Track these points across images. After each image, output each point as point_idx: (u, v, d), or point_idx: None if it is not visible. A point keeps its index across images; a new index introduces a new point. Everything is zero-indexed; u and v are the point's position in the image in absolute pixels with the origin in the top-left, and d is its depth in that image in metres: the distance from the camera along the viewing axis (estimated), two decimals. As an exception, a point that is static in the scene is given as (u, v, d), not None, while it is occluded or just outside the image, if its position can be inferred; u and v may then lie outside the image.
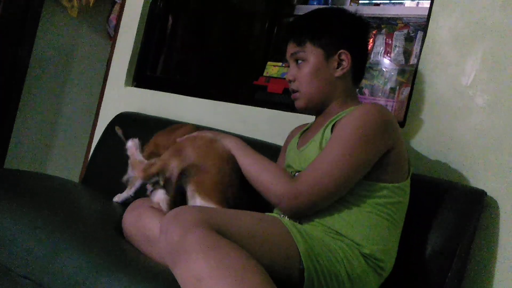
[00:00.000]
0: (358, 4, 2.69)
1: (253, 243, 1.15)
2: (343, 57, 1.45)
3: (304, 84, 1.47)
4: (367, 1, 2.69)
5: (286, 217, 1.34)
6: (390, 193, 1.34)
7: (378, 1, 2.63)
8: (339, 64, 1.46)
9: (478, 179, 1.54)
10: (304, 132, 1.59)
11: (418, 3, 2.52)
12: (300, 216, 1.34)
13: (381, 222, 1.33)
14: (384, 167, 1.33)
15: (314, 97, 1.48)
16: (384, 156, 1.32)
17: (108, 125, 2.41)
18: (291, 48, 1.50)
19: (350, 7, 2.56)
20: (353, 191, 1.33)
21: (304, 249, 1.20)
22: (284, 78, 2.13)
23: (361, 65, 1.53)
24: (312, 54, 1.46)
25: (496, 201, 1.51)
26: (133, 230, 1.41)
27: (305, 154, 1.43)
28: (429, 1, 1.75)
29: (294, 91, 1.50)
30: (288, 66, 1.54)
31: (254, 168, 1.43)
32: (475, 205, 1.46)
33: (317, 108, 1.51)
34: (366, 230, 1.31)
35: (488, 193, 1.50)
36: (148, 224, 1.37)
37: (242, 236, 1.14)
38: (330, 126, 1.40)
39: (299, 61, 1.48)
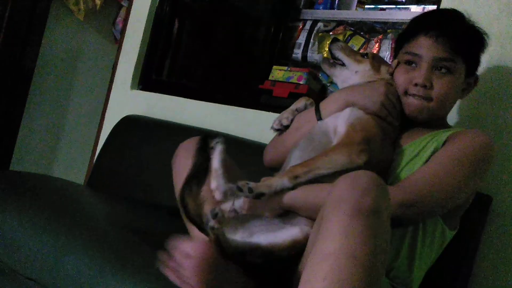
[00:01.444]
0: (364, 8, 2.69)
1: None
2: (473, 81, 1.36)
3: (442, 97, 1.29)
4: (373, 6, 2.69)
5: None
6: (446, 240, 1.30)
7: (384, 6, 2.63)
8: (468, 87, 1.36)
9: (484, 185, 1.54)
10: None
11: (424, 8, 2.51)
12: (411, 224, 1.23)
13: (426, 259, 1.28)
14: (456, 210, 1.28)
15: (442, 113, 1.36)
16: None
17: (114, 128, 2.42)
18: (439, 50, 1.27)
19: (356, 12, 2.56)
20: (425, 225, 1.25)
21: None
22: (290, 82, 2.14)
23: None
24: (459, 69, 1.30)
25: (502, 207, 1.51)
26: None
27: (407, 153, 1.30)
28: (435, 6, 1.75)
29: (422, 98, 1.30)
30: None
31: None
32: (481, 211, 1.46)
33: (429, 121, 1.35)
34: (411, 263, 1.25)
35: (494, 199, 1.49)
36: None
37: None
38: (442, 138, 1.27)
39: (441, 69, 1.29)
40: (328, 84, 2.22)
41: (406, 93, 1.32)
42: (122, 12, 3.32)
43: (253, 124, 2.12)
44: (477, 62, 1.34)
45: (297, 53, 2.47)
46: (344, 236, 0.91)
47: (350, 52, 1.41)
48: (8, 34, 2.94)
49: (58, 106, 3.33)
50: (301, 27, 2.51)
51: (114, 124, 2.43)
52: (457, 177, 1.18)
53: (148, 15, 2.66)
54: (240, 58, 2.74)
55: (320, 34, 2.42)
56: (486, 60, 1.60)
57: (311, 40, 2.42)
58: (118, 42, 3.10)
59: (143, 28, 2.66)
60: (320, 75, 2.26)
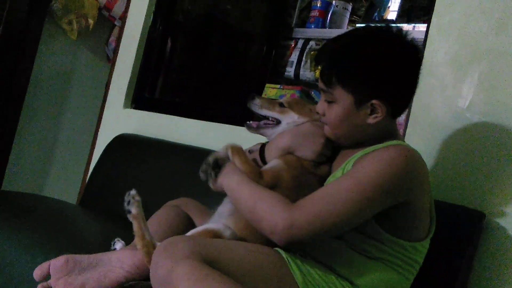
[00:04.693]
0: (355, 27, 2.72)
1: (246, 275, 1.11)
2: (376, 106, 1.25)
3: (332, 126, 1.32)
4: (364, 25, 2.72)
5: (285, 253, 1.25)
6: (404, 251, 1.27)
7: (353, 29, 2.66)
8: (372, 111, 1.26)
9: (476, 201, 1.54)
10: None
11: (414, 26, 2.54)
12: (294, 247, 1.25)
13: (392, 275, 1.27)
14: (400, 221, 1.24)
15: (342, 139, 1.35)
16: (399, 209, 1.21)
17: (107, 146, 2.42)
18: (320, 83, 1.30)
19: (346, 30, 2.59)
20: (368, 240, 1.24)
21: (302, 281, 1.17)
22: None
23: (402, 103, 1.33)
24: (341, 98, 1.26)
25: (495, 223, 1.51)
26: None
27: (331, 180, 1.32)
28: (425, 25, 1.78)
29: (324, 123, 1.35)
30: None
31: (250, 199, 1.25)
32: (474, 228, 1.46)
33: (346, 144, 1.36)
34: (373, 280, 1.25)
35: (487, 215, 1.50)
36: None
37: (234, 266, 1.10)
38: (353, 160, 1.27)
39: (328, 101, 1.30)
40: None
41: None
42: (115, 31, 3.33)
43: (245, 142, 2.12)
44: (363, 89, 1.24)
45: (290, 71, 2.48)
46: None
47: (272, 104, 1.46)
48: (1, 52, 2.95)
49: (51, 124, 3.32)
50: (293, 45, 2.53)
51: (107, 142, 2.43)
52: (347, 201, 1.16)
53: (141, 34, 2.68)
54: (232, 76, 2.75)
55: (312, 52, 2.44)
56: (476, 78, 1.62)
57: (303, 58, 2.44)
58: (111, 61, 3.11)
59: (136, 47, 2.67)
60: (312, 92, 2.28)
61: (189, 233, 1.29)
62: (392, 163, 1.19)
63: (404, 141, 1.35)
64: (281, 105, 1.44)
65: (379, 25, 1.36)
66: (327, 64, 1.28)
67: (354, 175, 1.20)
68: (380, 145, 1.27)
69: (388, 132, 1.32)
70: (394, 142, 1.28)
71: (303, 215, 1.15)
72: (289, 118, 1.43)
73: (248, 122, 1.48)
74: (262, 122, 1.47)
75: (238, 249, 1.18)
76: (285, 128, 1.43)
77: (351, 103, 1.25)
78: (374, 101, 1.24)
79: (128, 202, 1.28)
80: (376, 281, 1.25)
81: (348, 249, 1.25)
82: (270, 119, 1.46)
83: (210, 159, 1.39)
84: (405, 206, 1.21)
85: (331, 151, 1.38)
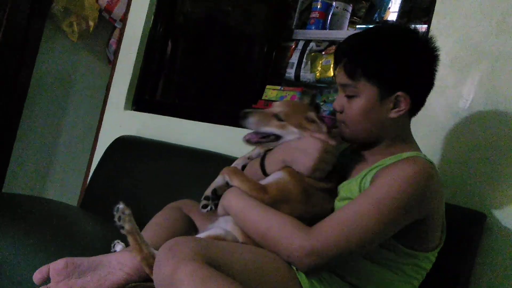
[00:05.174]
0: (355, 28, 2.72)
1: (250, 276, 1.10)
2: (401, 99, 1.26)
3: (352, 122, 1.30)
4: (364, 26, 2.72)
5: None
6: (417, 261, 1.27)
7: (375, 26, 2.66)
8: (395, 105, 1.27)
9: (478, 202, 1.54)
10: (343, 154, 1.44)
11: (414, 27, 2.54)
12: (314, 275, 1.20)
13: (401, 283, 1.27)
14: (414, 234, 1.23)
15: (360, 137, 1.32)
16: (416, 223, 1.20)
17: (107, 148, 2.41)
18: (341, 77, 1.29)
19: (348, 32, 2.59)
20: (382, 250, 1.23)
21: (308, 285, 1.17)
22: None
23: (422, 99, 1.33)
24: (365, 91, 1.26)
25: (496, 225, 1.51)
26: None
27: (347, 189, 1.31)
28: (425, 26, 1.78)
29: (341, 122, 1.33)
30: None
31: (262, 223, 1.21)
32: (475, 228, 1.46)
33: (362, 143, 1.36)
34: (383, 286, 1.25)
35: (488, 217, 1.50)
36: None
37: (238, 269, 1.09)
38: (372, 173, 1.25)
39: (349, 97, 1.29)
40: (322, 103, 2.23)
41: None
42: (116, 33, 3.33)
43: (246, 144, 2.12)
44: (389, 81, 1.25)
45: (290, 72, 2.48)
46: None
47: (268, 118, 1.35)
48: (2, 54, 2.95)
49: (52, 127, 3.32)
50: (293, 47, 2.53)
51: (108, 144, 2.43)
52: (368, 226, 1.13)
53: (141, 36, 2.68)
54: (233, 78, 2.75)
55: (312, 53, 2.44)
56: (477, 79, 1.62)
57: (304, 60, 2.44)
58: (111, 63, 3.11)
59: (137, 49, 2.67)
60: (314, 92, 2.28)
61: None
62: (413, 181, 1.17)
63: (419, 151, 1.34)
64: (277, 117, 1.34)
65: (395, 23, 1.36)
66: (352, 57, 1.27)
67: (374, 196, 1.17)
68: (398, 156, 1.26)
69: (403, 134, 1.33)
70: (413, 153, 1.28)
71: (323, 242, 1.12)
72: (290, 134, 1.34)
73: (246, 137, 1.38)
74: (261, 137, 1.38)
75: (243, 252, 1.17)
76: (287, 139, 1.36)
77: (375, 96, 1.26)
78: (399, 93, 1.25)
79: (119, 218, 1.25)
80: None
81: (361, 258, 1.23)
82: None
83: (208, 191, 1.37)
84: (422, 221, 1.21)
85: (331, 165, 1.31)
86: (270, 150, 1.39)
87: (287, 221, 1.19)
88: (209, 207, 1.36)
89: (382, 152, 1.31)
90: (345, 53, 1.30)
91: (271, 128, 1.35)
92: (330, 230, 1.14)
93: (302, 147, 1.30)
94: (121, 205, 1.25)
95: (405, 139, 1.33)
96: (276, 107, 1.37)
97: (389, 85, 1.25)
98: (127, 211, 1.25)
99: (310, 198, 1.28)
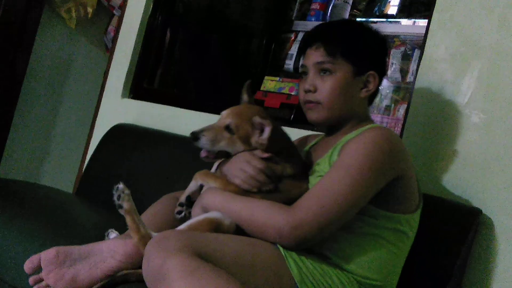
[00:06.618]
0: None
1: (241, 267, 1.11)
2: (370, 78, 1.39)
3: (328, 98, 1.37)
4: (364, 19, 2.71)
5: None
6: (396, 224, 1.30)
7: (375, 19, 2.65)
8: (365, 85, 1.39)
9: (473, 197, 1.55)
10: (313, 147, 1.53)
11: (414, 21, 2.54)
12: (304, 247, 1.24)
13: (383, 251, 1.29)
14: (391, 195, 1.28)
15: (335, 114, 1.39)
16: (391, 184, 1.27)
17: (104, 136, 2.41)
18: (317, 56, 1.38)
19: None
20: (361, 217, 1.27)
21: (298, 274, 1.18)
22: (281, 93, 2.15)
23: (379, 85, 1.45)
24: (342, 68, 1.36)
25: (491, 220, 1.51)
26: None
27: (318, 169, 1.36)
28: (426, 20, 1.77)
29: (311, 102, 1.39)
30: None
31: (244, 210, 1.26)
32: (471, 224, 1.46)
33: (332, 124, 1.44)
34: (366, 258, 1.27)
35: (483, 212, 1.50)
36: None
37: (228, 260, 1.10)
38: (338, 148, 1.33)
39: (324, 72, 1.38)
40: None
41: (304, 103, 1.42)
42: (114, 20, 3.31)
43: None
44: (363, 60, 1.38)
45: (289, 64, 2.48)
46: None
47: (220, 133, 1.35)
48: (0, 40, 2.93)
49: (48, 113, 3.31)
50: (293, 38, 2.53)
51: (105, 132, 2.42)
52: (344, 190, 1.21)
53: (140, 23, 2.66)
54: (232, 68, 2.75)
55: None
56: (477, 73, 1.62)
57: (303, 51, 2.43)
58: (109, 50, 3.10)
59: (135, 37, 2.66)
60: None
61: (188, 222, 1.28)
62: (377, 143, 1.26)
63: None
64: (228, 128, 1.35)
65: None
66: (333, 38, 1.39)
67: (343, 164, 1.25)
68: (360, 130, 1.35)
69: (366, 116, 1.45)
70: (374, 125, 1.40)
71: (306, 214, 1.19)
72: (238, 149, 1.36)
73: (202, 155, 1.38)
74: (217, 154, 1.38)
75: (232, 242, 1.18)
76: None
77: (350, 72, 1.37)
78: (371, 72, 1.38)
79: (118, 197, 1.25)
80: (366, 262, 1.28)
81: (344, 233, 1.27)
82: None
83: (182, 198, 1.40)
84: (396, 181, 1.27)
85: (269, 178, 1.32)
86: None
87: (268, 204, 1.25)
88: (183, 214, 1.40)
89: (346, 132, 1.39)
90: (325, 35, 1.42)
91: (225, 145, 1.35)
92: (309, 204, 1.21)
93: (235, 160, 1.35)
94: (121, 185, 1.26)
95: (366, 120, 1.44)
96: (226, 118, 1.37)
97: (363, 63, 1.38)
98: (127, 191, 1.26)
99: (278, 185, 1.33)
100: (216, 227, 1.24)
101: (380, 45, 1.44)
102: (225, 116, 1.38)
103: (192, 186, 1.40)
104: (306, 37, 1.49)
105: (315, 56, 1.39)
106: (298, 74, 1.49)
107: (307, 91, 1.40)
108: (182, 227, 1.27)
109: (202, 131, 1.35)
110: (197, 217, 1.29)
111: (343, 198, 1.21)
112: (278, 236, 1.20)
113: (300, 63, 1.46)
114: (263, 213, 1.23)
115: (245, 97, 1.49)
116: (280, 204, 1.24)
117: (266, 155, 1.33)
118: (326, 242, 1.27)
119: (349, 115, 1.40)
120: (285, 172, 1.34)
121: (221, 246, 1.14)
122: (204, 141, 1.34)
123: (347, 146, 1.30)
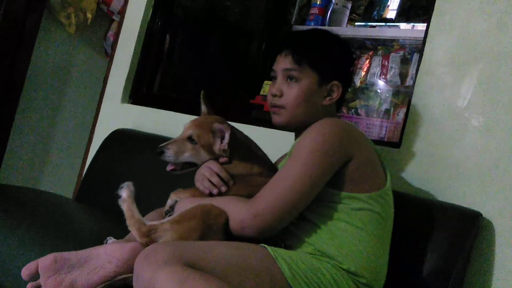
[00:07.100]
0: (354, 25, 2.72)
1: (232, 272, 1.13)
2: (334, 88, 1.45)
3: (291, 104, 1.43)
4: (363, 23, 2.72)
5: (270, 247, 1.27)
6: (364, 204, 1.32)
7: (374, 23, 2.66)
8: (328, 93, 1.45)
9: (473, 201, 1.54)
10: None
11: (413, 25, 2.54)
12: (267, 235, 1.29)
13: (359, 235, 1.31)
14: (349, 177, 1.32)
15: (297, 119, 1.45)
16: (346, 166, 1.32)
17: (104, 141, 2.41)
18: (285, 63, 1.45)
19: (346, 29, 2.59)
20: (327, 203, 1.32)
21: (289, 273, 1.19)
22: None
23: (344, 95, 1.52)
24: (307, 76, 1.43)
25: (491, 223, 1.51)
26: None
27: (281, 166, 1.41)
28: (425, 24, 1.77)
29: (276, 106, 1.46)
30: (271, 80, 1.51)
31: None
32: (470, 227, 1.46)
33: (294, 129, 1.50)
34: (344, 245, 1.29)
35: (483, 215, 1.50)
36: None
37: (218, 266, 1.13)
38: (294, 145, 1.39)
39: (291, 79, 1.44)
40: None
41: (271, 106, 1.49)
42: (114, 26, 3.32)
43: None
44: (329, 71, 1.44)
45: (288, 68, 2.48)
46: None
47: (183, 144, 1.41)
48: (-1, 46, 2.93)
49: (48, 119, 3.31)
50: (292, 43, 2.53)
51: (104, 137, 2.42)
52: (298, 177, 1.27)
53: (139, 29, 2.66)
54: (231, 72, 2.75)
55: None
56: (476, 76, 1.62)
57: (302, 56, 2.44)
58: (109, 55, 3.10)
59: (135, 42, 2.66)
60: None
61: (179, 211, 1.31)
62: (323, 129, 1.33)
63: None
64: (190, 139, 1.40)
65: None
66: (301, 47, 1.45)
67: (295, 155, 1.33)
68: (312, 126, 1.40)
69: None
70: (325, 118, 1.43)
71: (264, 203, 1.26)
72: (203, 159, 1.41)
73: (169, 168, 1.44)
74: (183, 165, 1.43)
75: (221, 248, 1.20)
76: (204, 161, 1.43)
77: (315, 81, 1.43)
78: (335, 82, 1.44)
79: (121, 188, 1.32)
80: (347, 246, 1.29)
81: (313, 224, 1.32)
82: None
83: (162, 212, 1.44)
84: (350, 162, 1.32)
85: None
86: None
87: (231, 199, 1.33)
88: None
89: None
90: (294, 43, 1.47)
91: (189, 156, 1.41)
92: (266, 193, 1.28)
93: (200, 172, 1.41)
94: (129, 182, 1.34)
95: None
96: (187, 129, 1.43)
97: (328, 73, 1.44)
98: (132, 188, 1.33)
99: (248, 182, 1.38)
100: (207, 214, 1.28)
101: (347, 57, 1.52)
102: (187, 128, 1.45)
103: (169, 203, 1.44)
104: (278, 42, 1.56)
105: (283, 63, 1.45)
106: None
107: (274, 95, 1.46)
108: (173, 216, 1.30)
109: (166, 145, 1.41)
110: (190, 206, 1.31)
111: (298, 185, 1.27)
112: (240, 227, 1.27)
113: (272, 69, 1.51)
114: (227, 209, 1.29)
115: (203, 107, 1.56)
116: (244, 199, 1.31)
117: (224, 159, 1.39)
118: (307, 232, 1.32)
119: (312, 120, 1.41)
120: (253, 170, 1.40)
121: (210, 252, 1.16)
122: (168, 154, 1.40)
123: (298, 141, 1.37)
